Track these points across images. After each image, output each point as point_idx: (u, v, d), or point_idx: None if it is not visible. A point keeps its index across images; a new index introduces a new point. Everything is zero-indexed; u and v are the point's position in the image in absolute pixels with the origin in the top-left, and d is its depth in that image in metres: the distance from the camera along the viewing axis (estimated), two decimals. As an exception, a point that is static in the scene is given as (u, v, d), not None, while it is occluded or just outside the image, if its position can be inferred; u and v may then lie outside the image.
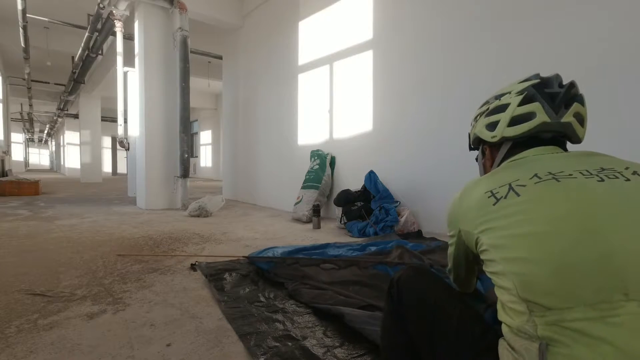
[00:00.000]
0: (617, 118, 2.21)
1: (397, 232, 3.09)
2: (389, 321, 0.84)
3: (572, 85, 0.78)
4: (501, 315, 0.63)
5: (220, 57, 7.31)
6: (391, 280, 0.84)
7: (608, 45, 2.26)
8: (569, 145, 0.83)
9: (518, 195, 0.64)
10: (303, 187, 4.23)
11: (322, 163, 4.24)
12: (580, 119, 0.79)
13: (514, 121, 0.80)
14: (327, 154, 4.33)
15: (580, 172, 0.64)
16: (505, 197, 0.65)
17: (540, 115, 0.77)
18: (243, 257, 1.92)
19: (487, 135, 0.86)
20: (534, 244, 0.58)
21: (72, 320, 1.41)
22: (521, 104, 0.80)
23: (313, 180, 4.17)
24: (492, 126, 0.85)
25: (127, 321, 1.40)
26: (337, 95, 4.25)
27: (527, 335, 0.56)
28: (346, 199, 3.59)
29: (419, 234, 3.11)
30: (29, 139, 28.83)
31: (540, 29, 2.57)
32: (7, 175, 8.75)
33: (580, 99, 0.79)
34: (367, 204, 3.41)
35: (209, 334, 1.30)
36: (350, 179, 4.02)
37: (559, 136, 0.80)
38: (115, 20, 5.31)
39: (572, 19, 2.42)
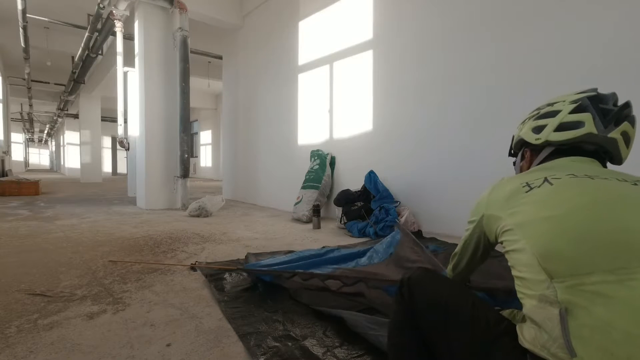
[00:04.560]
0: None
1: (397, 232, 3.09)
2: (399, 320, 0.85)
3: (627, 105, 0.80)
4: (521, 290, 0.66)
5: (220, 57, 7.31)
6: (402, 280, 0.85)
7: (609, 46, 2.27)
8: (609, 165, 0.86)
9: (551, 184, 0.70)
10: (303, 187, 4.23)
11: (322, 163, 4.24)
12: (627, 139, 0.81)
13: (562, 127, 0.83)
14: (327, 154, 4.33)
15: (615, 178, 0.69)
16: (539, 187, 0.71)
17: (589, 125, 0.79)
18: (239, 268, 1.89)
19: (532, 138, 0.89)
20: (553, 220, 0.64)
21: (72, 320, 1.41)
22: (573, 112, 0.82)
23: (313, 180, 4.17)
24: (538, 129, 0.88)
25: (127, 321, 1.40)
26: (337, 95, 4.25)
27: (548, 302, 0.59)
28: (346, 199, 3.59)
29: (418, 234, 3.11)
30: (29, 139, 28.82)
31: (540, 29, 2.57)
32: (7, 175, 8.75)
33: (632, 120, 0.80)
34: (367, 204, 3.41)
35: (209, 334, 1.30)
36: (350, 179, 4.01)
37: (601, 151, 0.82)
38: (115, 20, 5.31)
39: (572, 20, 2.42)
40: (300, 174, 4.48)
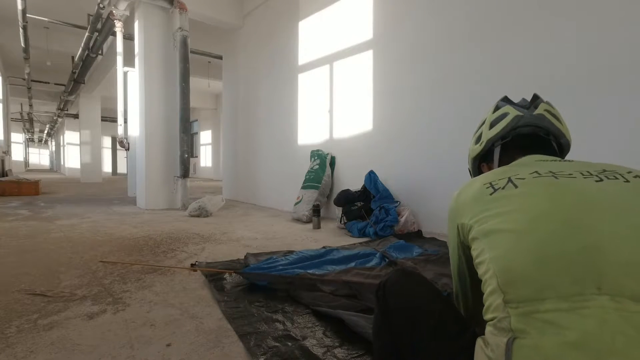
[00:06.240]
0: (610, 117, 2.21)
1: (397, 232, 3.10)
2: (378, 323, 0.85)
3: (535, 96, 0.92)
4: (485, 313, 0.61)
5: (220, 57, 7.30)
6: (379, 284, 0.84)
7: (599, 50, 2.27)
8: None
9: (516, 187, 0.66)
10: (303, 187, 4.23)
11: (322, 163, 4.24)
12: (553, 114, 0.87)
13: (493, 124, 0.91)
14: (327, 154, 4.33)
15: (580, 173, 0.65)
16: (503, 188, 0.67)
17: (513, 111, 0.88)
18: (235, 272, 1.87)
19: (477, 148, 0.95)
20: (517, 236, 0.58)
21: (72, 320, 1.41)
22: (494, 111, 0.93)
23: (313, 180, 4.17)
24: (478, 139, 0.96)
25: (127, 321, 1.40)
26: (337, 95, 4.25)
27: (502, 328, 0.55)
28: (346, 199, 3.59)
29: (418, 234, 3.11)
30: (29, 139, 28.83)
31: (539, 32, 2.57)
32: (7, 175, 8.75)
33: (546, 102, 0.88)
34: (367, 204, 3.41)
35: (209, 334, 1.30)
36: (350, 179, 4.01)
37: (542, 133, 0.86)
38: (115, 20, 5.31)
39: (570, 22, 2.42)
40: (300, 174, 4.48)
